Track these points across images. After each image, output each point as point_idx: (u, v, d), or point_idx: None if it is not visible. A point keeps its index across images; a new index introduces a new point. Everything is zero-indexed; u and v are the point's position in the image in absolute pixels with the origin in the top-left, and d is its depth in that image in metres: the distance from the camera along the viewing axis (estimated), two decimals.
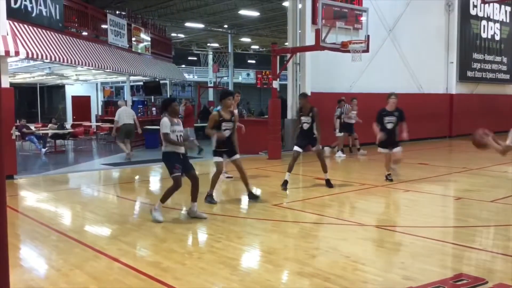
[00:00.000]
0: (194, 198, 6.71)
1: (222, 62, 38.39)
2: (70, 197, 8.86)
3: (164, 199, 6.62)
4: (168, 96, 21.21)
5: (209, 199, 7.73)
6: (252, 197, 7.85)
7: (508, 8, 22.66)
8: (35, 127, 17.58)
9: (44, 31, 11.60)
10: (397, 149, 9.38)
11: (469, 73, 21.02)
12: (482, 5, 21.00)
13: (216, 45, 40.55)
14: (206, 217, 6.75)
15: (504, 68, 22.83)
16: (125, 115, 13.91)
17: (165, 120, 6.55)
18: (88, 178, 11.27)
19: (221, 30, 34.60)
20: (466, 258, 5.10)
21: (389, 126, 9.29)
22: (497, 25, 22.19)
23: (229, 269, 4.66)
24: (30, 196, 9.05)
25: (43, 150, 15.87)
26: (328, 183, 9.00)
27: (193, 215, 6.73)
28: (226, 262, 4.84)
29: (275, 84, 14.43)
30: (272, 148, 13.67)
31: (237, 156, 7.80)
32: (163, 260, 4.94)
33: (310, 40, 14.52)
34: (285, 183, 8.95)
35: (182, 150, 6.63)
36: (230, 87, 36.63)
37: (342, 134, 14.17)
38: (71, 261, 4.94)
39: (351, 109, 14.00)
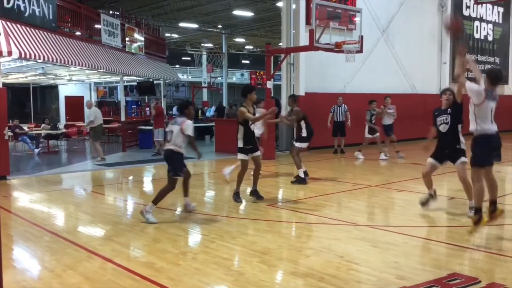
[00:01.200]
0: (187, 193, 7.10)
1: (216, 62, 38.34)
2: (63, 198, 8.82)
3: (157, 200, 6.63)
4: (162, 96, 21.15)
5: (235, 197, 7.80)
6: (257, 196, 7.86)
7: (501, 9, 22.81)
8: (28, 128, 17.48)
9: (37, 31, 11.53)
10: (458, 162, 6.71)
11: None
12: (475, 5, 21.14)
13: (210, 45, 40.50)
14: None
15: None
16: (99, 115, 13.89)
17: (191, 123, 6.71)
18: (82, 179, 11.22)
19: (215, 30, 34.55)
20: (459, 257, 5.13)
21: (442, 128, 6.78)
22: (490, 25, 22.33)
23: (223, 269, 4.66)
24: (23, 196, 8.99)
25: (36, 150, 15.79)
26: (300, 179, 9.17)
27: (190, 209, 7.05)
28: (220, 263, 4.84)
29: (269, 84, 14.44)
30: (267, 148, 13.64)
31: (259, 152, 7.84)
32: (156, 261, 4.93)
33: (304, 41, 14.54)
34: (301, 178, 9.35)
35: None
36: (224, 88, 36.57)
37: (374, 135, 13.28)
38: (64, 262, 4.92)
39: (384, 108, 13.27)
